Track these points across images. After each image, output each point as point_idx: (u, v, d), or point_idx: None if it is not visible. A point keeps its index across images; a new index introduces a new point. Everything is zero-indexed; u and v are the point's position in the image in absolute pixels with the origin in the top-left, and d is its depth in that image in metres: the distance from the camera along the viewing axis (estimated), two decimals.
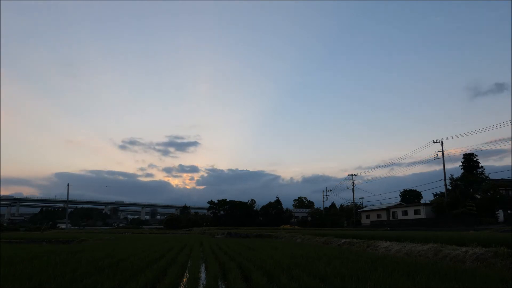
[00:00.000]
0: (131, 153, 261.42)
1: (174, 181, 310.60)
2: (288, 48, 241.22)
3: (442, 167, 54.22)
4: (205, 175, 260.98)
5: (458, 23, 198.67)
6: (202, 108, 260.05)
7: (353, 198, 78.26)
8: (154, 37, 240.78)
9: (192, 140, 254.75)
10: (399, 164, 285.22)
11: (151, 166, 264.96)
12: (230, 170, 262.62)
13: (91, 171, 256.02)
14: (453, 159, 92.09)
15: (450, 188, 55.37)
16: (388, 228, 45.73)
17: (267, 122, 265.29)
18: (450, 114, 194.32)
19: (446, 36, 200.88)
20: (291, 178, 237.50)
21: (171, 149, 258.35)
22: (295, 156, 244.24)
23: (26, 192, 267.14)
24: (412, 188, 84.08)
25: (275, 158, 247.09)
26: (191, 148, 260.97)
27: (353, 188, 76.78)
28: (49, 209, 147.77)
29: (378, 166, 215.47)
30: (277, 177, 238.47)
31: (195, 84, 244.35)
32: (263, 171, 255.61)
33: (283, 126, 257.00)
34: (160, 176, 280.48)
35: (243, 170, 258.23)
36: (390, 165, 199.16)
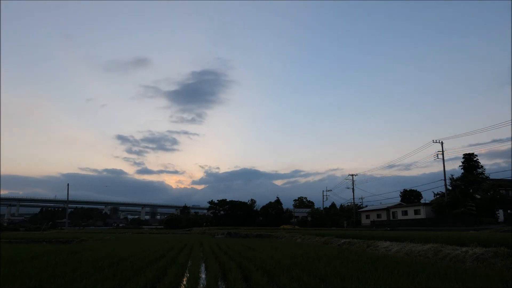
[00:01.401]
0: (131, 152, 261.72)
1: (174, 181, 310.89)
2: (290, 47, 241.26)
3: (442, 167, 54.31)
4: (206, 175, 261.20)
5: (459, 19, 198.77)
6: (203, 107, 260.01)
7: (353, 198, 78.33)
8: (152, 37, 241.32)
9: (193, 140, 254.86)
10: (399, 164, 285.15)
11: (151, 165, 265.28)
12: (230, 170, 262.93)
13: (92, 170, 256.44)
14: (453, 158, 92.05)
15: (450, 188, 55.37)
16: (388, 228, 45.72)
17: (268, 123, 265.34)
18: (451, 114, 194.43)
19: (451, 30, 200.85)
20: (291, 178, 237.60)
21: (172, 149, 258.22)
22: (295, 156, 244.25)
23: (27, 191, 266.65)
24: (412, 188, 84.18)
25: (276, 158, 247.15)
26: (192, 148, 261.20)
27: (353, 188, 76.82)
28: (49, 209, 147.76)
29: (378, 167, 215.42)
30: (277, 177, 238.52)
31: (195, 81, 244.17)
32: (264, 171, 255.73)
33: (284, 126, 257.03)
34: (160, 176, 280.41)
35: (243, 170, 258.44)
36: (390, 165, 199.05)
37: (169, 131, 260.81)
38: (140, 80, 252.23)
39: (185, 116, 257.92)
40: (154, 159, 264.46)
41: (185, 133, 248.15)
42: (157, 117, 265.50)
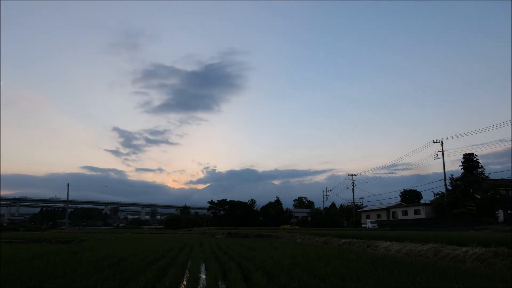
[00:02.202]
0: (131, 153, 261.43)
1: (174, 181, 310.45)
2: (292, 47, 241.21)
3: (442, 167, 54.29)
4: (206, 175, 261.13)
5: (459, 22, 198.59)
6: (205, 107, 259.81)
7: (353, 198, 78.31)
8: (156, 34, 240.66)
9: (194, 140, 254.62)
10: (399, 164, 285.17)
11: (151, 164, 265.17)
12: (230, 169, 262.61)
13: (91, 169, 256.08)
14: (457, 160, 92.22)
15: (450, 188, 55.34)
16: (388, 228, 45.70)
17: (269, 122, 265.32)
18: (451, 114, 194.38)
19: (451, 30, 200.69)
20: (292, 177, 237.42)
21: (176, 143, 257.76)
22: (296, 155, 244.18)
23: (27, 191, 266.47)
24: (412, 188, 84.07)
25: (276, 158, 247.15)
26: (192, 148, 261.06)
27: (353, 188, 76.79)
28: (49, 209, 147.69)
29: (378, 167, 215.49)
30: (277, 177, 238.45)
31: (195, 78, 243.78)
32: (264, 170, 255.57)
33: (285, 126, 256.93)
34: (160, 175, 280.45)
35: (243, 169, 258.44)
36: (390, 165, 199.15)
37: (180, 121, 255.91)
38: (151, 58, 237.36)
39: (186, 118, 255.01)
40: (155, 156, 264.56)
41: (194, 122, 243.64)
42: (166, 102, 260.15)
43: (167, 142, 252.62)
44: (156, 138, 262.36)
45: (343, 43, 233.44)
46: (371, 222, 62.34)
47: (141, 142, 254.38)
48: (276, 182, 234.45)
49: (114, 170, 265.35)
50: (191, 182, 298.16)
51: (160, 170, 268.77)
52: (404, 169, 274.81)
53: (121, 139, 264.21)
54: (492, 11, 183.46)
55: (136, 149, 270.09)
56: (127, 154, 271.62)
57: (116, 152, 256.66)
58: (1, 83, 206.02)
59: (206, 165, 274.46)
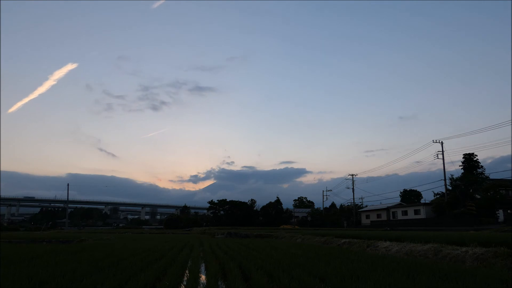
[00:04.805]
0: (132, 153, 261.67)
1: (174, 181, 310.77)
2: (291, 52, 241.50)
3: (442, 167, 54.30)
4: (206, 175, 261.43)
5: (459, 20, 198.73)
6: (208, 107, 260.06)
7: (353, 198, 78.33)
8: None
9: (194, 140, 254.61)
10: (399, 164, 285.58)
11: (151, 164, 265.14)
12: (231, 169, 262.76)
13: (92, 170, 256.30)
14: (453, 158, 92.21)
15: (450, 188, 55.35)
16: (388, 228, 45.71)
17: (269, 122, 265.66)
18: (451, 114, 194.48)
19: (451, 30, 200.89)
20: (292, 177, 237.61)
21: (172, 148, 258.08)
22: (296, 156, 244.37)
23: (27, 192, 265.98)
24: (412, 188, 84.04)
25: (276, 158, 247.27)
26: (193, 148, 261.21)
27: (353, 188, 76.82)
28: (49, 209, 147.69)
29: (378, 167, 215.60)
30: (277, 177, 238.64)
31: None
32: (264, 170, 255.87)
33: (285, 126, 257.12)
34: (160, 175, 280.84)
35: (243, 170, 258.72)
36: (390, 165, 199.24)
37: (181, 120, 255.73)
38: None
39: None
40: (155, 155, 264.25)
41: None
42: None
43: (167, 140, 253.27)
44: (157, 136, 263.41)
45: (345, 41, 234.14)
46: None
47: (141, 141, 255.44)
48: (277, 181, 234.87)
49: (114, 170, 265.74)
50: (191, 181, 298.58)
51: (153, 169, 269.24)
52: (405, 169, 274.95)
53: (121, 139, 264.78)
54: (492, 11, 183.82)
55: (137, 148, 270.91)
56: (128, 159, 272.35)
57: (115, 152, 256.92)
58: (1, 82, 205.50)
59: (207, 165, 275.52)
